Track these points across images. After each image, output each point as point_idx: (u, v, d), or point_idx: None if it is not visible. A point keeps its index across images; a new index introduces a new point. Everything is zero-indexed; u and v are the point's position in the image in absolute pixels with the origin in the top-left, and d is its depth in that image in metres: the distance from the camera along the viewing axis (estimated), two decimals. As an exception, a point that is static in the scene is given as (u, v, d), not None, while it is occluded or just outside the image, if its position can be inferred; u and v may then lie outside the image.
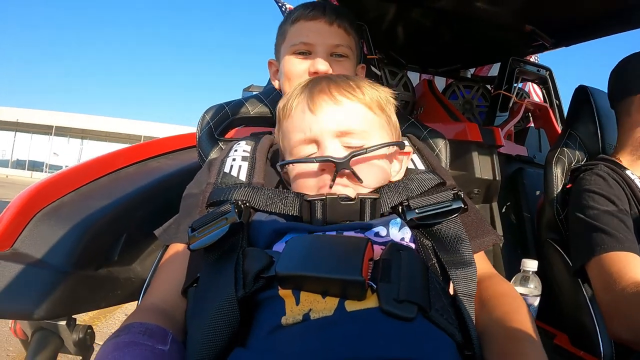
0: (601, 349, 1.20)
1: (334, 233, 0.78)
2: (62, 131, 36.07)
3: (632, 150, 1.44)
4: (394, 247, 0.71)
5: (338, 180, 0.82)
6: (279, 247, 0.75)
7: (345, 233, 0.78)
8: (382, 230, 0.79)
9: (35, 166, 38.50)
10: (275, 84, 1.31)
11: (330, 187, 0.82)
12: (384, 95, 0.92)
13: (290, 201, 0.83)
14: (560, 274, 1.40)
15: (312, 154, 0.86)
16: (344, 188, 0.82)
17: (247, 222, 0.79)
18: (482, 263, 0.92)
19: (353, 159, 0.81)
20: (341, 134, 0.84)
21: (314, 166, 0.84)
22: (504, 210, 1.98)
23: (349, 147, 0.84)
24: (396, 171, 0.94)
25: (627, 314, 1.11)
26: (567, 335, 1.38)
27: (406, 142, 1.04)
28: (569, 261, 1.36)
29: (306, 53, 1.19)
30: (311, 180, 0.86)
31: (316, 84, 0.89)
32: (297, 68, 1.18)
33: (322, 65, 1.15)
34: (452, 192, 0.85)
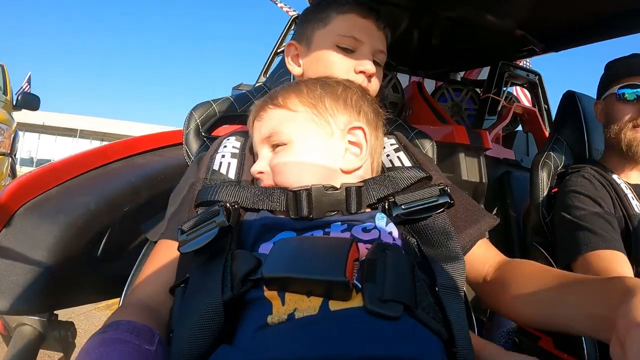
0: (585, 351, 1.21)
1: (320, 232, 0.79)
2: (85, 134, 36.17)
3: (618, 153, 1.45)
4: (380, 247, 0.71)
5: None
6: (267, 247, 0.76)
7: (332, 229, 0.79)
8: (370, 225, 0.79)
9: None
10: (294, 69, 1.20)
11: None
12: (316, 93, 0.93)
13: (277, 197, 0.83)
14: (545, 277, 1.41)
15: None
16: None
17: (236, 223, 0.79)
18: (491, 251, 0.95)
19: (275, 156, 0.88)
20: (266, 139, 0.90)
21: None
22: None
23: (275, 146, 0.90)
24: (356, 154, 0.91)
25: None
26: (551, 338, 1.39)
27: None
28: (554, 265, 1.37)
29: (350, 50, 1.12)
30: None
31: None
32: (342, 63, 1.11)
33: (370, 67, 1.10)
34: (438, 187, 0.85)
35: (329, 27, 1.14)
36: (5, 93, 5.75)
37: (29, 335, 1.10)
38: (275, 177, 0.87)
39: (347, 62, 1.10)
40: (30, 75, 9.04)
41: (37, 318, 1.10)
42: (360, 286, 0.64)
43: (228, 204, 0.79)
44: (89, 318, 2.96)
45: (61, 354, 1.19)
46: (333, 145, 0.88)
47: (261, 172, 0.89)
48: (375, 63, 1.14)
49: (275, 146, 0.89)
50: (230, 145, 1.00)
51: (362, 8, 1.14)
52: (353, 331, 0.61)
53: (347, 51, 1.11)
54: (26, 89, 8.20)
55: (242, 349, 0.64)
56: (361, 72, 1.10)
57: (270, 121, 0.90)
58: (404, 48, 2.19)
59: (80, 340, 0.79)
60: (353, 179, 0.87)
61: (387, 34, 1.18)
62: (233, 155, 0.97)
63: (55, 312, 1.15)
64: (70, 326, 1.16)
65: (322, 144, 0.88)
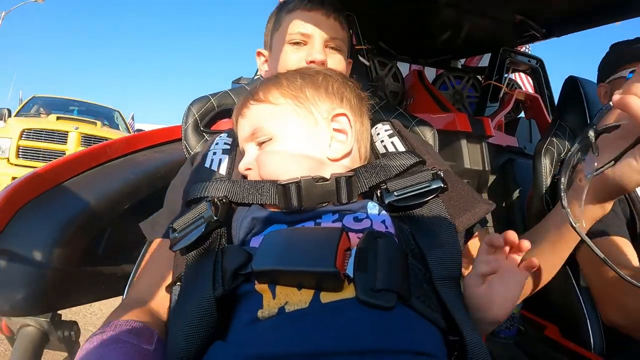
0: (591, 339, 1.20)
1: (311, 223, 0.78)
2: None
3: None
4: (371, 235, 0.69)
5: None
6: (257, 241, 0.75)
7: (323, 220, 0.78)
8: (361, 214, 0.78)
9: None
10: (265, 74, 1.26)
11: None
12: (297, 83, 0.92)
13: (266, 190, 0.82)
14: (550, 264, 1.40)
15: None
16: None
17: (225, 218, 0.78)
18: None
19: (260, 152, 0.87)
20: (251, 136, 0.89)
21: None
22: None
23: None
24: (342, 141, 0.89)
25: (619, 299, 1.11)
26: (557, 327, 1.38)
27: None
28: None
29: (302, 44, 1.17)
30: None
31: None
32: (294, 57, 1.15)
33: (319, 55, 1.13)
34: (431, 171, 0.83)
35: (281, 29, 1.20)
36: (129, 132, 7.91)
37: (32, 336, 1.11)
38: (261, 172, 0.85)
39: (298, 55, 1.15)
40: (133, 115, 11.36)
41: (40, 318, 1.10)
42: (351, 276, 0.63)
43: (216, 199, 0.79)
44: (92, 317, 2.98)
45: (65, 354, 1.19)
46: (318, 135, 0.87)
47: (249, 169, 0.88)
48: (332, 49, 1.18)
49: (260, 143, 0.87)
50: (222, 142, 0.99)
51: (306, 2, 1.18)
52: (345, 323, 0.60)
53: (299, 45, 1.17)
54: (133, 126, 10.42)
55: (234, 344, 0.63)
56: (311, 62, 1.13)
57: (253, 117, 0.89)
58: (404, 37, 2.18)
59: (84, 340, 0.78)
60: (341, 168, 0.86)
61: (339, 19, 1.21)
62: (224, 151, 0.96)
63: (58, 311, 1.15)
64: (73, 325, 1.16)
65: (307, 134, 0.87)
